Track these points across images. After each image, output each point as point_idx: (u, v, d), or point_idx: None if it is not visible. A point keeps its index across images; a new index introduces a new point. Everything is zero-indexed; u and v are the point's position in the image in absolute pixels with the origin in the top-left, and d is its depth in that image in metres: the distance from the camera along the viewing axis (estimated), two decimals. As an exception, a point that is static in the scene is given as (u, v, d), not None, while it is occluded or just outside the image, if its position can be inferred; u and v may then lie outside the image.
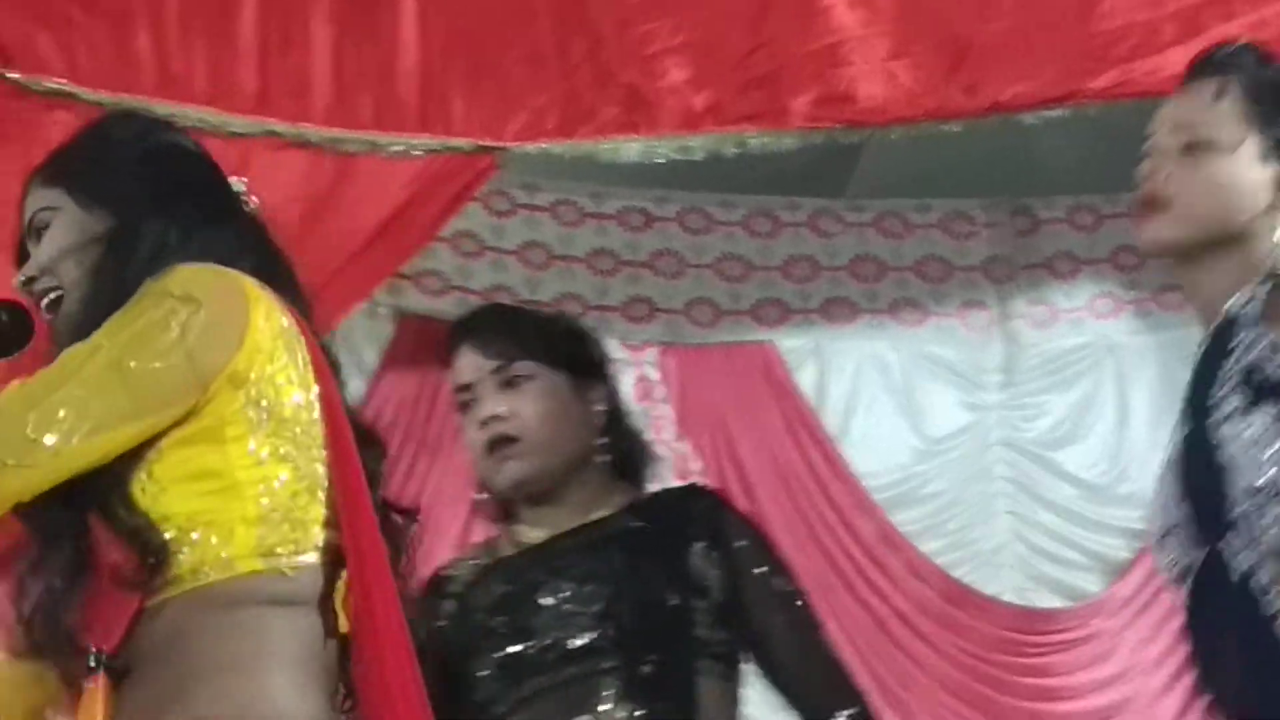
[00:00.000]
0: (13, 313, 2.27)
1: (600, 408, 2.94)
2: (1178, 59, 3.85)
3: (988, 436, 6.02)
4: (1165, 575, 2.71)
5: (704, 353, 5.90)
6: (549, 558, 2.82)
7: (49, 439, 2.02)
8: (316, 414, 2.16)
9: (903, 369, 6.05)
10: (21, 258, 2.32)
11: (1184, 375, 2.57)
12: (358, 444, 2.21)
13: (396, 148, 3.90)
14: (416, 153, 3.90)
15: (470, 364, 2.90)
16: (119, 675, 2.05)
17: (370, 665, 2.13)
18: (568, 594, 2.75)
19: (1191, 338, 2.58)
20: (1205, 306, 2.55)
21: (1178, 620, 2.65)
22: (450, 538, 5.48)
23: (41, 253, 2.26)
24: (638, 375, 5.76)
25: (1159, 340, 5.83)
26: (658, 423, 5.74)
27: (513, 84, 3.95)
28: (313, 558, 2.13)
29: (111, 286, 2.18)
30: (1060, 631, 5.85)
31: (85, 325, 2.16)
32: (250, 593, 2.09)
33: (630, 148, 3.96)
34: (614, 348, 5.60)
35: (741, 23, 3.98)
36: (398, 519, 2.29)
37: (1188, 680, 2.69)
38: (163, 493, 2.08)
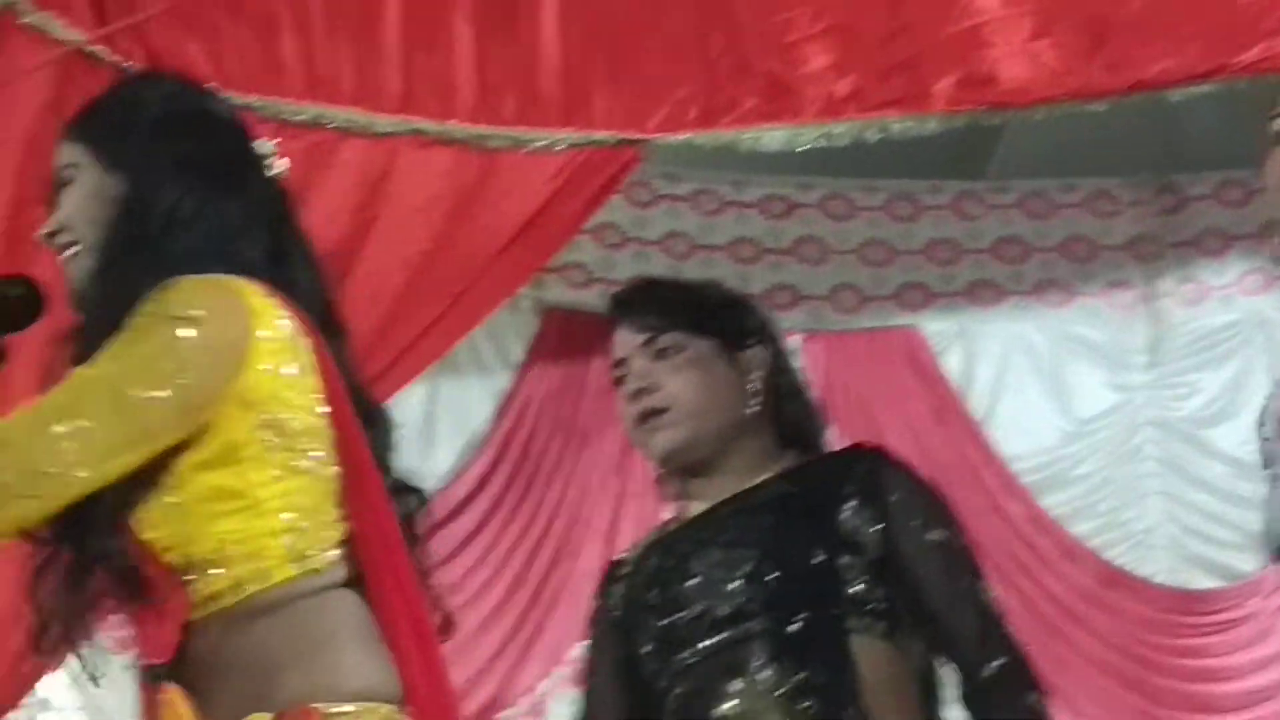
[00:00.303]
0: (24, 287, 2.29)
1: (757, 374, 2.91)
2: (1331, 29, 3.83)
3: (1136, 417, 5.97)
4: None
5: (848, 339, 5.89)
6: (701, 528, 2.82)
7: (54, 469, 2.04)
8: (323, 413, 2.18)
9: (1049, 350, 6.00)
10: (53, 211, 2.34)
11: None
12: (365, 424, 2.24)
13: (540, 143, 3.92)
14: (560, 147, 3.91)
15: (622, 339, 2.91)
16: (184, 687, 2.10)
17: (393, 649, 2.16)
18: (716, 560, 2.75)
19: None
20: None
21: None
22: (598, 528, 5.52)
23: (63, 209, 2.28)
24: (783, 363, 5.76)
25: (1311, 315, 5.76)
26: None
27: (654, 76, 3.95)
28: (338, 551, 2.17)
29: (121, 258, 2.20)
30: (1216, 612, 5.78)
31: (93, 298, 2.20)
32: (292, 593, 2.12)
33: (773, 136, 3.96)
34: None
35: (881, 8, 3.96)
36: (409, 499, 2.30)
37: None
38: (188, 515, 2.11)
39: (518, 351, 5.59)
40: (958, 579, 2.84)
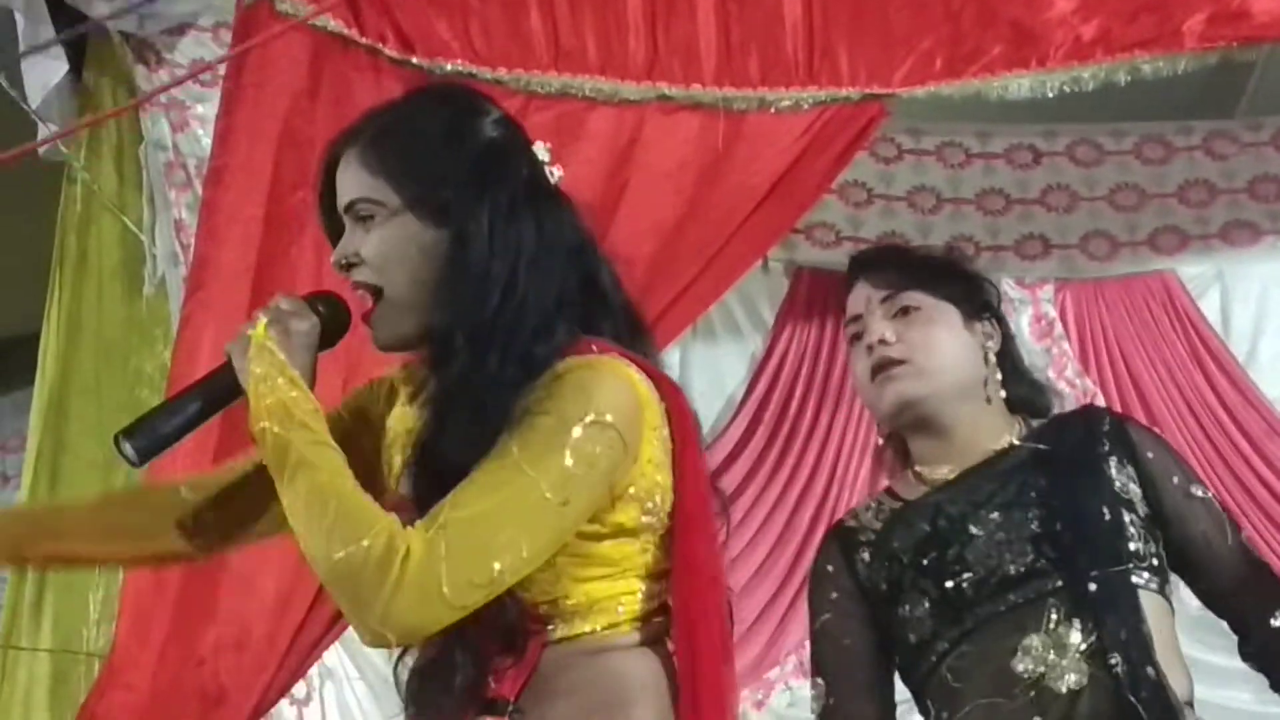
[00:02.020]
0: (330, 305, 2.30)
1: (992, 343, 2.91)
2: None
3: None
4: None
5: (1102, 286, 5.80)
6: (966, 491, 2.80)
7: (482, 580, 2.06)
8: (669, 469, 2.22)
9: (1312, 289, 5.88)
10: (330, 225, 2.34)
11: None
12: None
13: (785, 103, 3.93)
14: (805, 106, 3.93)
15: (861, 295, 2.91)
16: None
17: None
18: (997, 521, 2.74)
19: None
20: None
21: None
22: (855, 485, 5.52)
23: (368, 246, 2.26)
24: (1035, 314, 5.70)
25: None
26: (1059, 360, 5.68)
27: (897, 30, 3.94)
28: (660, 613, 2.24)
29: (477, 341, 2.19)
30: None
31: (460, 386, 2.18)
32: (621, 643, 2.19)
33: (1020, 84, 3.93)
34: (1009, 287, 5.57)
35: (1127, -52, 3.91)
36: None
37: None
38: (562, 575, 2.17)
39: (769, 313, 5.60)
40: (1226, 534, 2.82)
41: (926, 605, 2.75)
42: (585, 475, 2.10)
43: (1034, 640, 2.66)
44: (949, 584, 2.73)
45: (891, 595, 2.79)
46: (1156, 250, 5.83)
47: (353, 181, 2.29)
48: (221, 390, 2.24)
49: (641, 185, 3.91)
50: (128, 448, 2.21)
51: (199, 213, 3.85)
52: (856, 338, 2.91)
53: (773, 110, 3.92)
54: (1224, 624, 2.89)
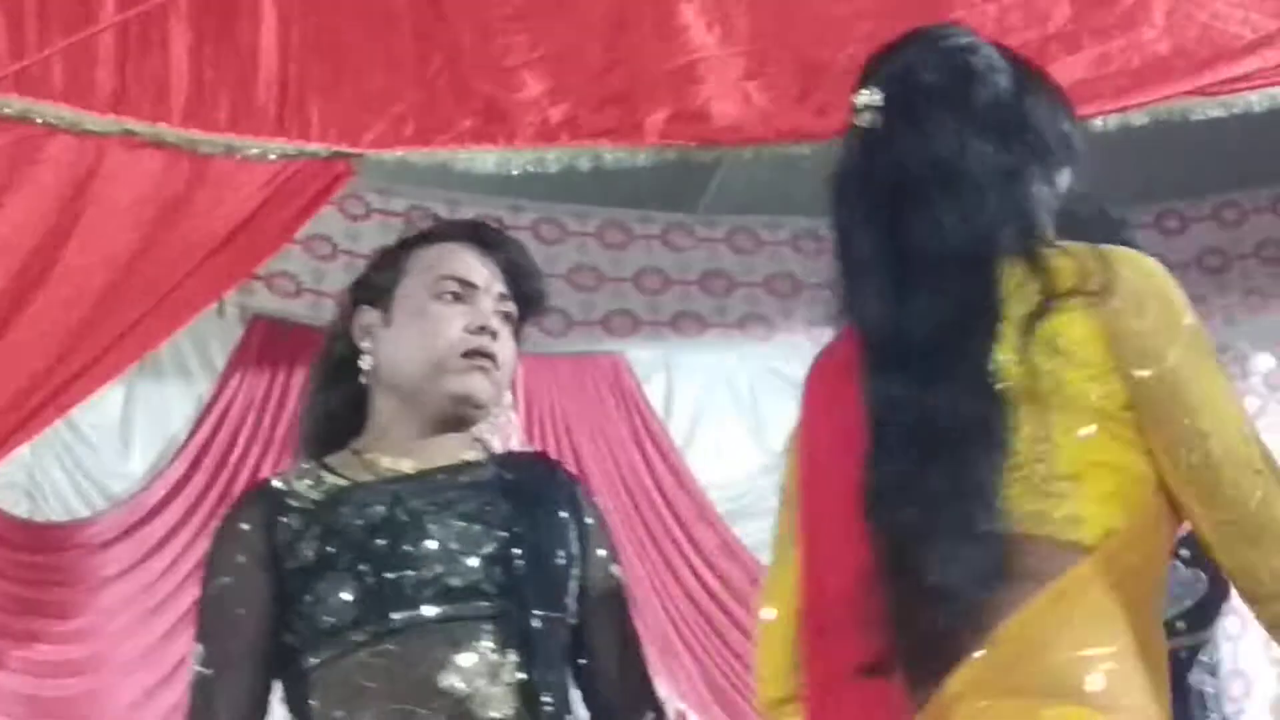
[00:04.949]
0: None
1: None
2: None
3: (831, 452, 6.08)
4: None
5: (554, 362, 5.94)
6: (430, 490, 2.74)
7: None
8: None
9: (749, 383, 6.12)
10: None
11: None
12: None
13: (253, 151, 3.90)
14: (272, 156, 3.90)
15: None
16: None
17: None
18: (459, 530, 2.69)
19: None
20: None
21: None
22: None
23: None
24: (487, 382, 5.79)
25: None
26: (505, 430, 5.77)
27: (371, 91, 3.96)
28: None
29: None
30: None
31: None
32: None
33: (486, 158, 3.98)
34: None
35: (599, 38, 4.01)
36: None
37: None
38: None
39: (220, 357, 5.55)
40: (627, 623, 2.86)
41: (356, 591, 2.65)
42: None
43: (468, 660, 2.61)
44: (390, 575, 2.64)
45: (318, 569, 2.67)
46: (609, 332, 6.01)
47: None
48: None
49: (97, 217, 3.83)
50: None
51: None
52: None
53: (239, 157, 3.88)
54: None
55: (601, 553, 2.84)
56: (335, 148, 3.93)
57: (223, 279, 4.08)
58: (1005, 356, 2.08)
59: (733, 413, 6.10)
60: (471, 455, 2.82)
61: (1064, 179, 2.30)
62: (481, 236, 2.96)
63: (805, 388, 2.31)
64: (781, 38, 4.04)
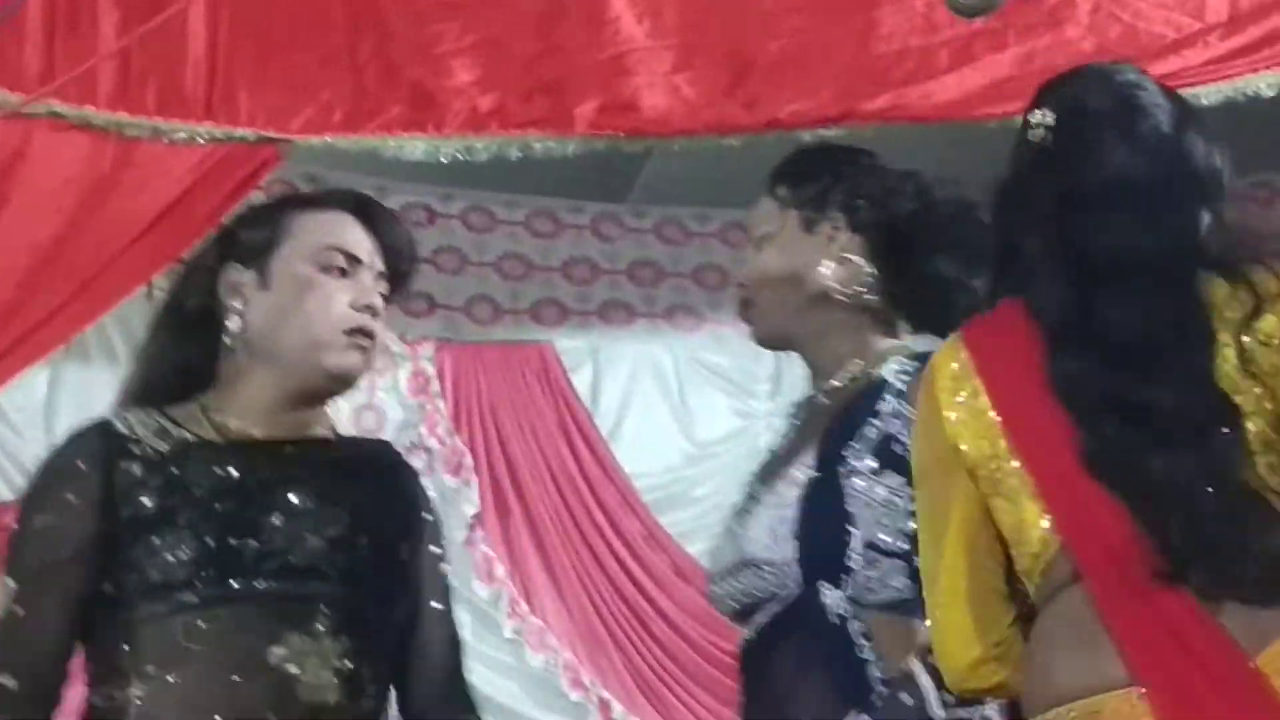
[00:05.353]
0: None
1: None
2: (951, 85, 4.00)
3: (757, 443, 6.10)
4: (722, 608, 2.92)
5: (481, 350, 5.95)
6: (281, 462, 2.69)
7: None
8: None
9: (677, 373, 6.15)
10: None
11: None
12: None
13: (180, 135, 3.88)
14: (200, 141, 3.89)
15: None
16: None
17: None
18: (308, 508, 2.64)
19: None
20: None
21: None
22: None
23: None
24: (414, 370, 5.80)
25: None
26: (432, 417, 5.78)
27: (300, 77, 3.95)
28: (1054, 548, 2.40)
29: None
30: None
31: None
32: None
33: (415, 146, 3.98)
34: (392, 342, 5.66)
35: (530, 28, 4.02)
36: None
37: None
38: None
39: (148, 342, 5.52)
40: (451, 624, 2.84)
41: (194, 551, 2.57)
42: None
43: (296, 638, 2.56)
44: (233, 541, 2.58)
45: (154, 522, 2.59)
46: (537, 321, 6.02)
47: None
48: None
49: (22, 200, 3.81)
50: None
51: None
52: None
53: (166, 141, 3.87)
54: None
55: (436, 550, 2.82)
56: (263, 133, 3.93)
57: (150, 263, 4.05)
58: (1225, 361, 2.25)
59: (659, 403, 6.12)
60: (319, 432, 2.78)
61: (1218, 208, 2.45)
62: (366, 210, 2.89)
63: (976, 352, 2.41)
64: (711, 31, 4.06)
